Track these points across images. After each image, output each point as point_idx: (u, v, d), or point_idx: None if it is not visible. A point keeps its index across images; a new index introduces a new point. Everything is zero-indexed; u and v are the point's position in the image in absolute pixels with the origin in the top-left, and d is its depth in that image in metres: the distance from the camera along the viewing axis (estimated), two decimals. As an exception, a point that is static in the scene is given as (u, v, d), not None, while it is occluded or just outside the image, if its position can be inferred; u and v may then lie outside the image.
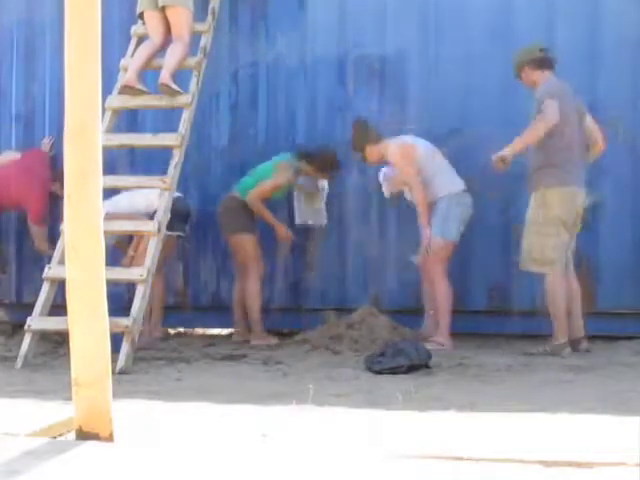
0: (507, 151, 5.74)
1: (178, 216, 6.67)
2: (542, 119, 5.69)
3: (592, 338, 6.15)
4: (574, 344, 5.89)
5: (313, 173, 6.84)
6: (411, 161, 6.40)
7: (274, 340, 6.63)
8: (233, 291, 6.93)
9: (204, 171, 7.23)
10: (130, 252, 6.71)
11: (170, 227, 6.53)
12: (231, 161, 7.21)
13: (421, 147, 6.49)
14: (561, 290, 5.83)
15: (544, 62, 5.97)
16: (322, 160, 6.78)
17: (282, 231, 6.79)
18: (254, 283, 6.69)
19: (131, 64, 6.65)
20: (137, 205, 6.64)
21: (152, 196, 6.48)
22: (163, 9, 6.69)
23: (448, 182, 6.40)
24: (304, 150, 6.80)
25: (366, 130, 6.61)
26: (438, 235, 6.31)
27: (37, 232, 7.20)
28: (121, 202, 6.62)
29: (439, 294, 6.32)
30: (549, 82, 5.88)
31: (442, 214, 6.32)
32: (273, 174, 6.71)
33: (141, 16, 6.84)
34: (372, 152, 6.61)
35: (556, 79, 5.93)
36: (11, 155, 7.36)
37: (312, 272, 7.04)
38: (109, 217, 6.22)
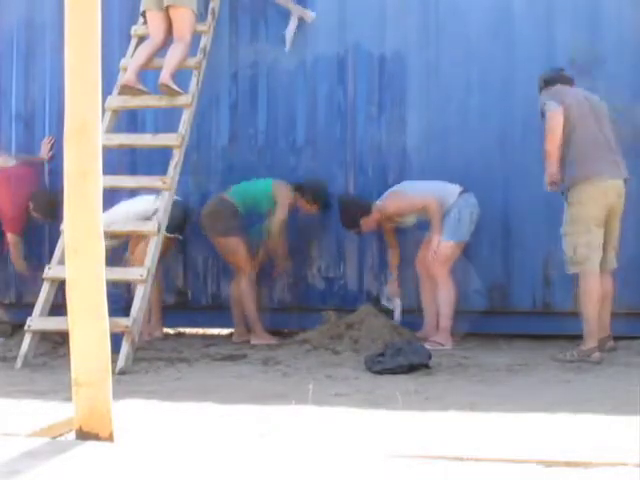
0: (549, 177, 5.76)
1: (173, 219, 6.68)
2: (549, 130, 5.67)
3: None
4: (599, 343, 5.75)
5: (306, 205, 6.74)
6: (409, 200, 6.40)
7: (274, 340, 6.62)
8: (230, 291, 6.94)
9: (204, 171, 7.22)
10: (128, 255, 6.72)
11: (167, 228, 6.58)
12: (231, 161, 7.20)
13: (404, 185, 6.53)
14: (596, 293, 5.68)
15: (555, 79, 5.91)
16: (315, 190, 6.71)
17: (284, 266, 6.86)
18: (246, 283, 6.67)
19: (131, 64, 6.64)
20: (135, 210, 6.63)
21: (147, 201, 6.52)
22: (167, 9, 6.68)
23: (448, 191, 6.39)
24: (297, 184, 6.72)
25: (355, 205, 6.57)
26: (451, 239, 6.31)
27: (14, 243, 7.18)
28: (119, 211, 6.62)
29: (444, 295, 6.31)
30: (552, 88, 5.85)
31: (454, 219, 6.32)
32: (276, 195, 6.63)
33: (143, 14, 6.84)
34: (368, 223, 6.57)
35: (563, 87, 5.89)
36: (6, 161, 7.31)
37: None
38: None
